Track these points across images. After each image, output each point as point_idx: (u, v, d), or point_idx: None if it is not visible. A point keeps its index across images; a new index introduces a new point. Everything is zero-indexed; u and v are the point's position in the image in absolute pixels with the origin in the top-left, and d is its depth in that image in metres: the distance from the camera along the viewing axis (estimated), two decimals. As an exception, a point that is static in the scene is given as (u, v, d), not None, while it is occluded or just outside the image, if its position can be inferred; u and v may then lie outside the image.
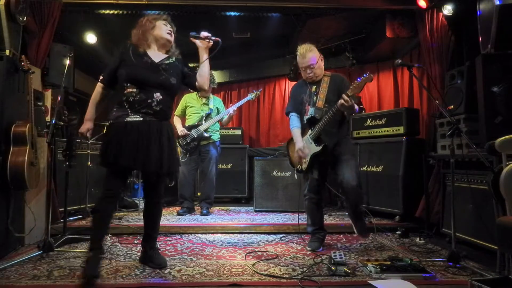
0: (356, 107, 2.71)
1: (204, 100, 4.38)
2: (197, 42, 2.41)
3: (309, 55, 2.88)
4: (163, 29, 2.43)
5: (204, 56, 2.42)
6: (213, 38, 2.40)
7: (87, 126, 2.42)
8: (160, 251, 2.83)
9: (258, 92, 4.55)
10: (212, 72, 4.44)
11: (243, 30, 5.00)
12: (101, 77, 2.43)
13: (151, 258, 2.45)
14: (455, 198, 2.59)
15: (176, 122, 4.40)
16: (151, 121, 2.28)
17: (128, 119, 2.25)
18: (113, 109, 2.33)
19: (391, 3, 3.95)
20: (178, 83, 2.44)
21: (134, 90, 2.27)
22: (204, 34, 2.39)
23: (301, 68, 2.97)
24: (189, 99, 4.40)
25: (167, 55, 2.46)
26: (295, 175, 3.11)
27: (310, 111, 2.88)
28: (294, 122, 2.99)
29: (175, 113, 4.48)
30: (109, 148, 2.21)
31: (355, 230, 2.98)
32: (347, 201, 2.93)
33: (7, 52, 2.88)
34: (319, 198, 2.98)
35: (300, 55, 2.93)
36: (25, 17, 3.07)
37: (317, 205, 2.98)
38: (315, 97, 2.90)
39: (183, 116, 4.45)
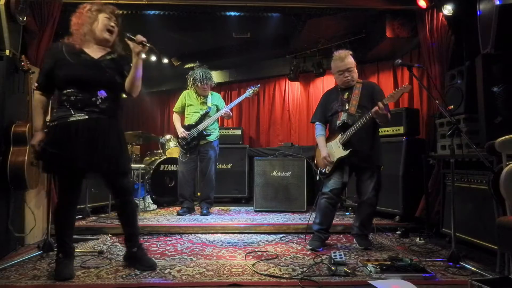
0: (389, 115, 2.77)
1: (202, 99, 4.36)
2: (131, 44, 2.22)
3: (348, 59, 2.95)
4: (104, 25, 2.21)
5: (135, 60, 2.22)
6: (148, 44, 2.22)
7: (38, 138, 2.21)
8: (160, 251, 2.84)
9: (256, 88, 4.45)
10: (211, 72, 4.42)
11: (243, 30, 5.01)
12: (36, 84, 2.27)
13: (140, 259, 2.37)
14: (455, 198, 2.58)
15: (176, 120, 4.40)
16: (99, 118, 2.17)
17: (72, 118, 2.12)
18: (54, 110, 2.20)
19: (391, 3, 3.95)
20: (124, 81, 2.28)
21: (74, 90, 2.14)
22: (139, 38, 2.21)
23: (338, 72, 2.99)
24: (188, 97, 4.38)
25: (107, 51, 2.28)
26: (317, 176, 3.15)
27: (343, 117, 2.92)
28: (319, 131, 3.12)
29: (174, 109, 4.47)
30: (55, 152, 2.10)
31: (355, 239, 3.04)
32: (358, 211, 3.07)
33: (7, 52, 2.88)
34: (337, 200, 3.01)
35: (339, 58, 2.97)
36: (25, 17, 3.07)
37: (333, 206, 2.98)
38: (347, 104, 2.94)
39: (182, 113, 4.43)
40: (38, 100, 2.28)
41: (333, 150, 2.96)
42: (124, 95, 2.36)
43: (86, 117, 2.14)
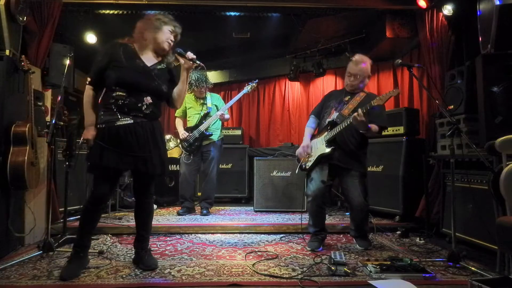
0: (377, 129, 2.77)
1: (201, 101, 4.37)
2: (181, 59, 2.35)
3: (361, 65, 2.95)
4: (166, 37, 2.34)
5: (184, 75, 2.37)
6: (198, 62, 2.35)
7: (91, 132, 2.27)
8: (160, 251, 2.84)
9: (254, 84, 4.44)
10: (211, 72, 4.43)
11: (243, 30, 5.01)
12: (89, 79, 2.33)
13: (141, 259, 2.42)
14: (455, 198, 2.58)
15: (178, 124, 4.41)
16: (142, 122, 2.26)
17: (119, 123, 2.21)
18: (101, 112, 2.27)
19: (391, 3, 3.95)
20: (169, 91, 2.40)
21: (124, 93, 2.21)
22: (190, 55, 2.33)
23: (347, 73, 3.03)
24: (188, 100, 4.39)
25: (159, 60, 2.39)
26: (297, 170, 3.17)
27: (333, 115, 2.94)
28: (310, 122, 3.17)
29: (175, 115, 4.48)
30: (104, 153, 2.17)
31: (355, 240, 3.05)
32: (351, 216, 3.09)
33: (7, 52, 2.88)
34: (323, 201, 2.98)
35: (354, 61, 2.99)
36: (25, 17, 3.07)
37: (320, 207, 2.97)
38: (344, 105, 2.95)
39: (184, 117, 4.45)
40: (89, 95, 2.32)
41: (317, 146, 2.97)
42: (168, 104, 2.47)
43: (132, 121, 2.23)
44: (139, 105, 2.24)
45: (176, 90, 2.41)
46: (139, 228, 2.48)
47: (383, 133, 4.05)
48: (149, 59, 2.35)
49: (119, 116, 2.22)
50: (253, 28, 4.94)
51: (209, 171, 4.29)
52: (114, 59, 2.24)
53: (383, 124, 2.85)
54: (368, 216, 3.05)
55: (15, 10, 2.90)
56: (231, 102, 4.58)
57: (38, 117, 3.03)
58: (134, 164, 2.24)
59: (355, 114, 2.62)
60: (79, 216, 3.78)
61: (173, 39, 2.39)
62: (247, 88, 4.43)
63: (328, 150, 2.85)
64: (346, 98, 2.99)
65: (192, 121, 4.34)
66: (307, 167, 3.01)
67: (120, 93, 2.21)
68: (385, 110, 2.94)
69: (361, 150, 2.96)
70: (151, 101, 2.27)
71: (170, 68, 2.42)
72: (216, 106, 4.39)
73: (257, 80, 4.60)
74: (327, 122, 2.95)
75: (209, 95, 4.41)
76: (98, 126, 2.26)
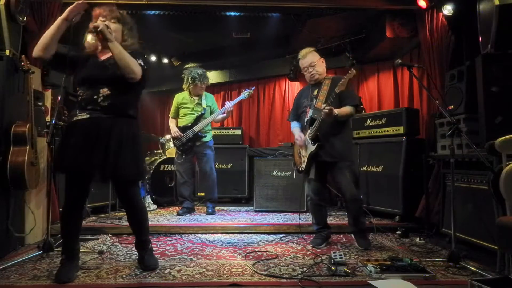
0: (349, 110, 2.84)
1: (197, 100, 4.36)
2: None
3: (309, 55, 3.02)
4: (93, 23, 2.22)
5: (108, 41, 2.13)
6: (95, 25, 2.14)
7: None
8: (160, 251, 2.84)
9: (251, 91, 4.49)
10: (211, 71, 4.43)
11: (243, 30, 5.01)
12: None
13: (142, 259, 2.41)
14: (455, 198, 2.58)
15: (171, 123, 4.42)
16: (100, 117, 2.15)
17: (75, 118, 2.18)
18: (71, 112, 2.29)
19: (391, 3, 3.95)
20: None
21: (82, 90, 2.21)
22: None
23: (303, 70, 3.08)
24: (181, 99, 4.39)
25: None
26: (294, 174, 3.23)
27: (310, 113, 2.97)
28: (293, 125, 3.24)
29: (169, 115, 4.48)
30: (60, 151, 2.18)
31: (355, 239, 3.05)
32: (347, 209, 3.11)
33: (7, 52, 2.88)
34: (320, 198, 3.05)
35: (301, 56, 3.07)
36: (25, 17, 3.07)
37: (319, 205, 3.05)
38: (315, 100, 2.97)
39: (177, 117, 4.44)
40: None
41: (307, 146, 3.00)
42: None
43: (87, 116, 2.16)
44: (95, 97, 2.16)
45: None
46: (135, 233, 2.47)
47: (383, 133, 4.09)
48: (105, 53, 2.31)
49: (78, 112, 2.19)
50: (253, 28, 4.94)
51: (208, 170, 4.30)
52: (75, 61, 2.28)
53: (354, 103, 2.90)
54: (362, 207, 3.06)
55: (15, 10, 2.90)
56: (232, 103, 4.58)
57: (38, 117, 3.03)
58: (87, 164, 2.08)
59: (324, 110, 2.69)
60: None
61: (102, 19, 2.26)
62: (244, 94, 4.46)
63: (314, 147, 2.89)
64: (315, 92, 3.02)
65: (185, 119, 4.32)
66: (302, 169, 3.05)
67: (80, 90, 2.22)
68: (353, 89, 2.96)
69: (344, 141, 2.97)
70: (108, 92, 2.17)
71: (134, 54, 2.22)
72: (210, 107, 4.40)
73: (254, 88, 4.64)
74: (306, 122, 3.00)
75: (204, 95, 4.42)
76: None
